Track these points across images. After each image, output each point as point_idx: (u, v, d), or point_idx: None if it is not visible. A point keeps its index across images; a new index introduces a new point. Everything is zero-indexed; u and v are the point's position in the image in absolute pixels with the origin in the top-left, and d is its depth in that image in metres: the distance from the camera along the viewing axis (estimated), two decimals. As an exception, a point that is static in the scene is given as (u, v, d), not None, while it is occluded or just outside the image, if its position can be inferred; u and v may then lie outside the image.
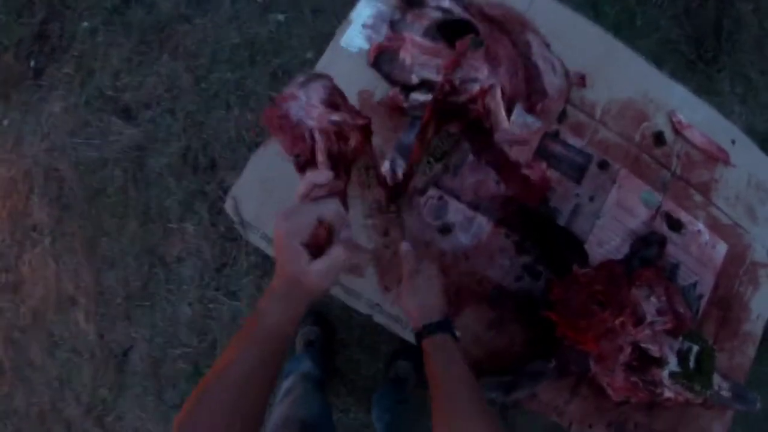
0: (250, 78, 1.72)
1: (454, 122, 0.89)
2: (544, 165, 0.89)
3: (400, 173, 0.86)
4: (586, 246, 0.90)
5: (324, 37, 1.67)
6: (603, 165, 0.94)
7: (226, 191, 1.53)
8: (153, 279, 1.66)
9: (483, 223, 0.90)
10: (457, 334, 0.77)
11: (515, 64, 0.86)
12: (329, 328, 1.59)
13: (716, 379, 0.79)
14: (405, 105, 0.88)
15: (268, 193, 0.89)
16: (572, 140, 0.94)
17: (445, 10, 0.90)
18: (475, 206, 0.90)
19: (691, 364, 0.77)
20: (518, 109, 0.83)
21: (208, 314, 1.64)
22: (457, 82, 0.82)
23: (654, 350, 0.75)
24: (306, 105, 0.58)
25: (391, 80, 0.91)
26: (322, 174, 0.57)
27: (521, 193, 0.90)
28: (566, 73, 0.90)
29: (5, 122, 1.76)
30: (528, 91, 0.87)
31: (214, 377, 0.53)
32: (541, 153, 0.92)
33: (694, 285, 0.94)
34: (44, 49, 1.78)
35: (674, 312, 0.78)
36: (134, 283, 1.66)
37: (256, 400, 0.54)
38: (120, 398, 1.65)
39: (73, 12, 1.79)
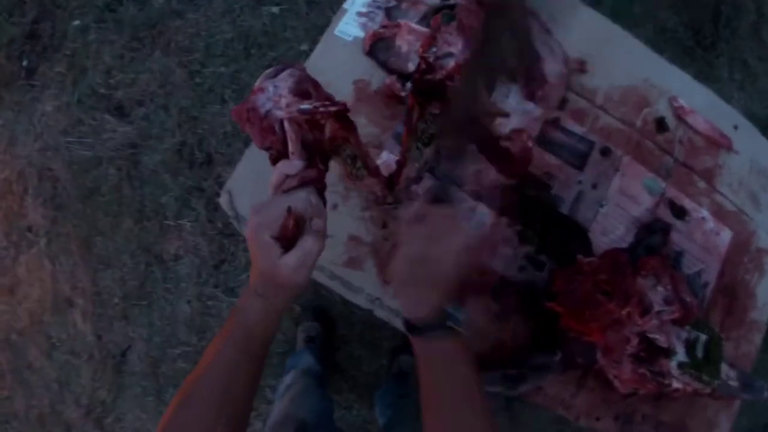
0: (245, 72, 1.70)
1: (434, 102, 0.87)
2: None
3: (393, 163, 0.84)
4: (590, 235, 0.89)
5: (319, 28, 1.65)
6: (605, 152, 0.92)
7: (222, 187, 1.51)
8: (150, 278, 1.64)
9: (485, 213, 0.88)
10: (461, 317, 0.70)
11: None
12: (330, 324, 1.58)
13: (724, 368, 0.78)
14: (402, 93, 0.86)
15: (263, 187, 0.86)
16: (573, 127, 0.92)
17: (440, -4, 0.89)
18: (476, 196, 0.88)
19: (699, 353, 0.75)
20: (516, 96, 0.81)
21: (206, 312, 1.63)
22: (431, 59, 0.80)
23: (661, 340, 0.74)
24: (274, 96, 0.56)
25: (388, 68, 0.90)
26: (291, 164, 0.56)
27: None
28: (566, 59, 0.89)
29: (-2, 123, 1.74)
30: (527, 77, 0.85)
31: (195, 378, 0.52)
32: (542, 140, 0.90)
33: (699, 273, 0.92)
34: (36, 48, 1.76)
35: (681, 301, 0.76)
36: (131, 283, 1.65)
37: (240, 400, 0.53)
38: (119, 399, 1.63)
39: (64, 11, 1.77)
